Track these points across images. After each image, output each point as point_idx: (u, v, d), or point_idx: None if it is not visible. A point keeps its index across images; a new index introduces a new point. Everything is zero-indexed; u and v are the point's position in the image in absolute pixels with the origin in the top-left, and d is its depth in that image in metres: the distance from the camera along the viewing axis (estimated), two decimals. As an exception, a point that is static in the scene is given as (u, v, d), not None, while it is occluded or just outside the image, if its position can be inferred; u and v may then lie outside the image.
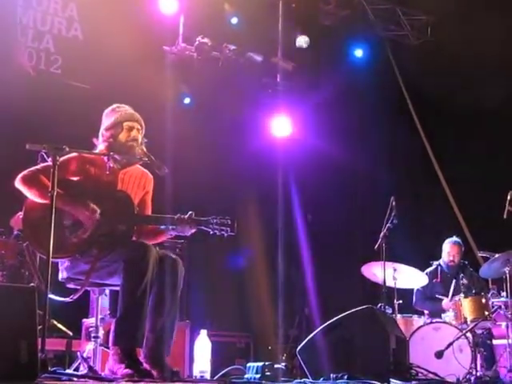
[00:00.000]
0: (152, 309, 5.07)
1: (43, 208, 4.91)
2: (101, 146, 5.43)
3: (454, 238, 9.46)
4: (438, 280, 9.26)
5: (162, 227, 5.39)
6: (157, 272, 5.03)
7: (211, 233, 5.26)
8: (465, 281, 8.54)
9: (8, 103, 8.22)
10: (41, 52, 9.55)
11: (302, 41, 11.30)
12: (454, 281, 8.82)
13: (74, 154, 5.16)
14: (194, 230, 5.31)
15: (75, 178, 5.24)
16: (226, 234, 5.26)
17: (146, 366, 4.91)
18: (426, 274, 9.24)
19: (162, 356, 5.06)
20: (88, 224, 5.11)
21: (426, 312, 9.16)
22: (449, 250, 9.35)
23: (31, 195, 5.11)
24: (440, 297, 8.94)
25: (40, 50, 9.56)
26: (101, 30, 9.54)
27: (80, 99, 9.09)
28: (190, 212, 5.28)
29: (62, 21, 9.78)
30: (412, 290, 9.26)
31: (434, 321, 8.56)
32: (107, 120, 5.48)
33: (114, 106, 5.57)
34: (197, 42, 10.34)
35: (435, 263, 9.43)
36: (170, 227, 5.31)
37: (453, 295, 8.66)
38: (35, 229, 5.06)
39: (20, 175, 5.15)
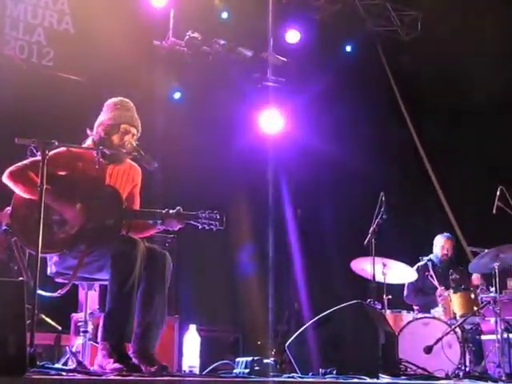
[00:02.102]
0: (140, 303, 5.06)
1: (31, 203, 4.90)
2: (90, 139, 5.40)
3: (447, 233, 9.54)
4: (431, 273, 9.29)
5: (150, 222, 5.39)
6: (145, 266, 5.02)
7: (200, 227, 5.26)
8: (456, 275, 8.59)
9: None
10: (32, 45, 9.53)
11: (294, 36, 11.32)
12: (450, 271, 8.84)
13: (62, 149, 5.13)
14: (181, 225, 5.31)
15: (63, 173, 5.22)
16: (214, 229, 5.26)
17: (134, 360, 4.91)
18: (418, 267, 9.31)
19: (151, 350, 5.06)
20: (73, 222, 5.10)
21: (415, 307, 9.20)
22: (443, 244, 9.42)
23: (18, 191, 5.09)
24: (436, 284, 8.96)
25: (32, 42, 9.53)
26: (91, 24, 9.52)
27: (71, 92, 9.08)
28: (178, 207, 5.29)
29: (53, 14, 9.76)
30: (401, 285, 9.27)
31: (423, 316, 8.59)
32: (106, 114, 5.43)
33: (118, 99, 5.51)
34: (187, 37, 10.32)
35: (425, 258, 9.46)
36: (159, 222, 5.31)
37: (446, 288, 8.69)
38: (23, 224, 5.05)
39: (7, 170, 5.13)
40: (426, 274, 9.30)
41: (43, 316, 7.22)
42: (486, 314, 8.39)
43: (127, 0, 9.83)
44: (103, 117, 5.44)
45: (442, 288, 8.73)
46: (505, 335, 8.08)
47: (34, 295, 4.34)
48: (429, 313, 8.67)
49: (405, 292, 9.38)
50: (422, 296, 9.23)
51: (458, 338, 8.00)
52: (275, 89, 11.36)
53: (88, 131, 5.45)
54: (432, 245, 9.57)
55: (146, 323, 5.05)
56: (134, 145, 5.39)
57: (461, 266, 9.32)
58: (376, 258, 8.41)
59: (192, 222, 5.25)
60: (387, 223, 8.44)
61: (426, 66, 11.38)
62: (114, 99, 5.53)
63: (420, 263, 9.41)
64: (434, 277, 9.21)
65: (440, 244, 9.45)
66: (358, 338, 6.15)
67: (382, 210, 8.36)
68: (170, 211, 5.26)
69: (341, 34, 12.33)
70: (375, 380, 5.61)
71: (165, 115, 9.77)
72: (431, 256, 9.48)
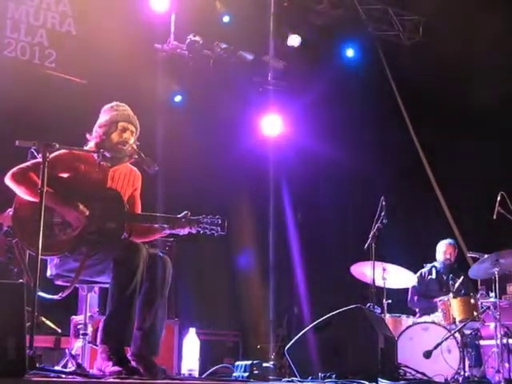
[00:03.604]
0: (141, 307, 5.06)
1: (33, 205, 4.90)
2: (92, 142, 5.41)
3: (449, 240, 9.58)
4: (434, 277, 9.35)
5: (157, 226, 5.39)
6: (147, 271, 5.02)
7: (201, 232, 5.26)
8: (458, 280, 8.62)
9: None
10: (34, 46, 9.54)
11: (295, 40, 11.31)
12: (450, 276, 8.84)
13: (63, 151, 5.13)
14: (193, 231, 5.31)
15: (65, 175, 5.22)
16: (216, 234, 5.26)
17: (133, 363, 4.91)
18: (421, 273, 9.39)
19: (150, 355, 5.06)
20: (76, 225, 5.10)
21: (416, 310, 9.23)
22: (445, 249, 9.47)
23: (20, 193, 5.09)
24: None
25: (34, 44, 9.54)
26: (93, 27, 9.55)
27: (73, 94, 9.08)
28: (186, 212, 5.29)
29: (56, 15, 9.77)
30: (401, 289, 9.28)
31: (423, 321, 8.59)
32: (103, 117, 5.46)
33: (114, 103, 5.54)
34: (188, 40, 10.34)
35: (429, 265, 9.53)
36: (166, 226, 5.32)
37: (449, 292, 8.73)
38: (25, 226, 5.05)
39: (9, 172, 5.13)
40: (430, 277, 9.37)
41: (43, 318, 7.22)
42: (485, 319, 8.40)
43: (129, 3, 9.83)
44: (101, 120, 5.46)
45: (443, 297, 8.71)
46: (504, 340, 8.09)
47: (34, 297, 4.34)
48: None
49: (408, 296, 9.41)
50: (424, 300, 9.26)
51: (457, 342, 8.00)
52: (276, 92, 11.37)
53: (87, 135, 5.46)
54: (432, 249, 9.59)
55: (146, 327, 5.05)
56: (135, 147, 5.40)
57: (462, 271, 9.34)
58: (376, 262, 8.41)
59: (196, 227, 5.27)
60: (387, 228, 8.44)
61: (427, 70, 11.37)
62: (109, 104, 5.55)
63: (423, 269, 9.49)
64: (437, 283, 9.27)
65: (442, 250, 9.49)
66: (358, 342, 6.14)
67: (383, 214, 8.36)
68: (178, 216, 5.28)
69: (342, 39, 12.33)
70: (374, 384, 5.61)
71: (165, 118, 9.76)
72: (434, 263, 9.54)
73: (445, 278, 9.29)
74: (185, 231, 5.33)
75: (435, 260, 9.60)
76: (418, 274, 9.39)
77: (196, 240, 6.43)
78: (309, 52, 11.53)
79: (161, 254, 5.27)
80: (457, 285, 8.61)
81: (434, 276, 9.42)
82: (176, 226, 5.29)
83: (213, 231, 5.25)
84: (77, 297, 6.96)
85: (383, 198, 8.42)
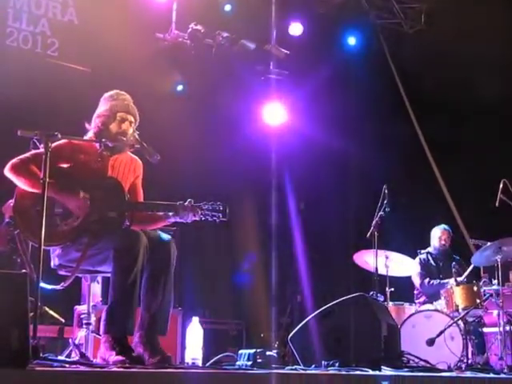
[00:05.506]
0: (145, 292, 5.07)
1: (34, 196, 4.90)
2: (91, 132, 5.41)
3: (444, 225, 9.62)
4: (433, 263, 9.39)
5: (161, 214, 5.39)
6: (149, 253, 5.02)
7: (203, 219, 5.26)
8: (457, 266, 8.63)
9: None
10: (37, 35, 9.52)
11: (297, 28, 11.29)
12: (452, 264, 8.84)
13: (64, 141, 5.11)
14: (196, 218, 5.31)
15: (65, 165, 5.22)
16: (217, 220, 5.27)
17: (137, 351, 4.92)
18: (421, 259, 9.44)
19: (156, 338, 5.06)
20: (78, 213, 5.10)
21: (424, 298, 9.25)
22: (440, 234, 9.56)
23: (20, 184, 5.09)
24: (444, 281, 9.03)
25: (36, 33, 9.53)
26: (95, 16, 9.52)
27: (76, 83, 9.07)
28: (190, 199, 5.29)
29: (57, 5, 9.75)
30: (403, 277, 9.29)
31: (426, 309, 8.61)
32: (103, 106, 5.46)
33: (114, 92, 5.53)
34: (190, 29, 10.30)
35: (423, 251, 9.55)
36: (170, 214, 5.32)
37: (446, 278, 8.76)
38: (26, 217, 5.05)
39: (9, 163, 5.12)
40: (429, 262, 9.40)
41: (46, 308, 7.23)
42: (488, 306, 8.41)
43: (130, -8, 9.82)
44: (100, 109, 5.46)
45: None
46: (507, 328, 8.10)
47: (37, 288, 4.34)
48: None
49: (419, 282, 9.37)
50: (436, 283, 9.20)
51: (460, 330, 8.01)
52: (278, 81, 11.34)
53: (86, 125, 5.46)
54: (435, 237, 9.64)
55: (152, 309, 5.06)
56: (137, 136, 5.39)
57: (455, 255, 9.39)
58: (379, 250, 8.43)
59: (198, 213, 5.27)
60: (390, 216, 8.45)
61: (429, 59, 11.35)
62: (109, 92, 5.55)
63: (421, 256, 9.49)
64: (436, 268, 9.31)
65: (437, 235, 9.57)
66: (361, 331, 6.15)
67: (385, 202, 8.38)
68: (181, 203, 5.28)
69: (344, 27, 12.30)
70: (377, 372, 5.61)
71: (167, 107, 9.76)
72: (429, 249, 9.58)
73: (441, 263, 9.36)
74: (189, 219, 5.32)
75: (429, 246, 9.65)
76: (418, 260, 9.40)
77: (199, 228, 6.43)
78: (311, 40, 11.50)
79: (163, 237, 5.25)
80: (466, 273, 8.66)
81: (432, 262, 9.47)
82: (178, 212, 5.29)
83: (214, 217, 5.25)
84: (80, 286, 6.98)
85: (386, 186, 8.43)
